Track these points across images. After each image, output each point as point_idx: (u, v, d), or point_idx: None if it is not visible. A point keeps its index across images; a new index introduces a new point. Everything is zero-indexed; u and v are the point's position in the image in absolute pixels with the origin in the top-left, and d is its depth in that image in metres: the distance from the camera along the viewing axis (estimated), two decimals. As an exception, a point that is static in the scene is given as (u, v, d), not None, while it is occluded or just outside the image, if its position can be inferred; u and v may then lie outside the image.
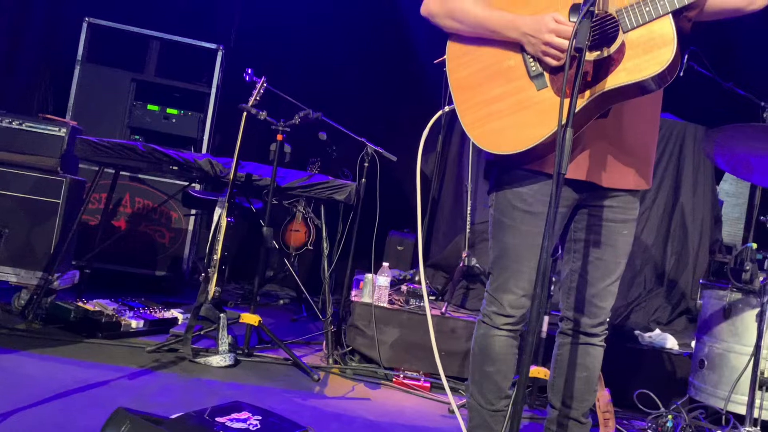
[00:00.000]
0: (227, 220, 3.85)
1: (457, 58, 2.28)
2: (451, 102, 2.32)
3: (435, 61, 3.22)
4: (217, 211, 3.91)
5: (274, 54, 6.64)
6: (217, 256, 3.78)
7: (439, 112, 2.88)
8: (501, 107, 2.17)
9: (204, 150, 5.96)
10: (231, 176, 3.96)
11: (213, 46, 6.04)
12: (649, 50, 1.96)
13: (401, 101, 6.84)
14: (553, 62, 2.07)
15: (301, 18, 6.75)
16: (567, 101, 1.84)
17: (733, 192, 6.49)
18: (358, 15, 6.81)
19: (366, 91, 6.86)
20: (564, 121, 1.78)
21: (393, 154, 4.95)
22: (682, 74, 2.28)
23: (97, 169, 4.42)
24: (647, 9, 1.96)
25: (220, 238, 3.81)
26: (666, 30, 1.94)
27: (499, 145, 2.16)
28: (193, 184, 5.16)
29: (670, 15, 1.95)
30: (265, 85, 4.07)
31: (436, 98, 4.91)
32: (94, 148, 4.13)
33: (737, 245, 6.08)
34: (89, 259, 4.69)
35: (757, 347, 3.21)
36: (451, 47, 2.30)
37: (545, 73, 2.12)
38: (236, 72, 4.55)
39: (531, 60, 2.14)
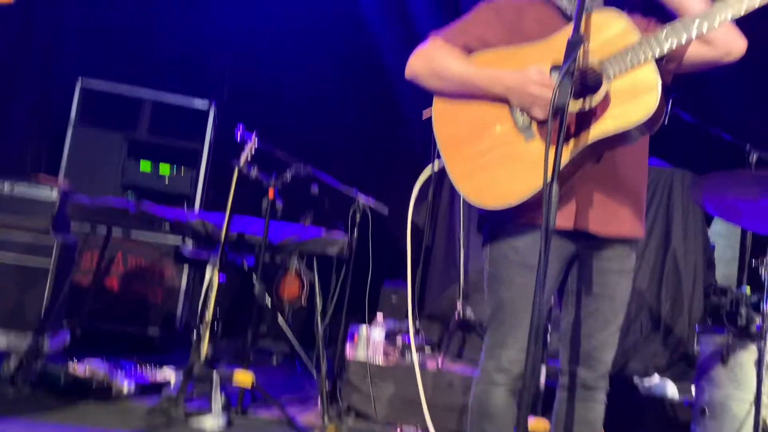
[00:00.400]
0: (219, 280, 3.84)
1: (444, 114, 2.30)
2: (439, 156, 2.31)
3: (423, 117, 3.27)
4: (209, 269, 3.90)
5: (266, 109, 6.71)
6: (208, 316, 3.74)
7: (427, 169, 2.92)
8: (489, 160, 2.18)
9: (197, 206, 5.97)
10: (223, 236, 3.96)
11: (205, 102, 6.13)
12: (633, 97, 1.98)
13: (392, 153, 6.91)
14: (540, 115, 2.10)
15: (294, 73, 6.84)
16: (553, 152, 1.84)
17: (724, 233, 6.51)
18: (350, 70, 6.92)
19: (357, 145, 6.94)
20: (549, 177, 1.79)
21: (385, 205, 4.96)
22: (666, 122, 2.31)
23: (89, 226, 4.41)
24: (629, 57, 1.99)
25: (212, 297, 3.78)
26: (650, 76, 1.97)
27: (489, 199, 2.17)
28: (185, 242, 5.15)
29: (653, 62, 1.98)
30: (256, 141, 4.11)
31: (426, 149, 4.95)
32: (86, 211, 4.13)
33: (732, 287, 6.06)
34: (81, 318, 4.63)
35: (758, 395, 3.16)
36: (438, 103, 2.32)
37: (533, 124, 2.13)
38: (229, 127, 4.60)
39: (518, 112, 2.16)
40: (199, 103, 6.11)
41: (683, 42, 1.98)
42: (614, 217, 2.24)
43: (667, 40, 1.97)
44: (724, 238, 6.45)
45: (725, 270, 6.30)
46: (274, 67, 6.85)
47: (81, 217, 4.13)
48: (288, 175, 4.21)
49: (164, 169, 5.97)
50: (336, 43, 6.78)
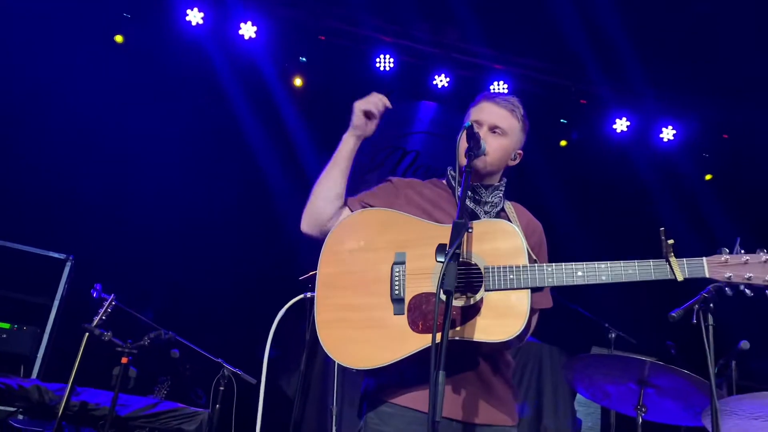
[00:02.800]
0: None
1: (331, 254, 2.29)
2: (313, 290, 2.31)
3: (300, 278, 3.17)
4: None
5: (129, 267, 6.27)
6: None
7: (299, 296, 2.90)
8: (355, 318, 2.17)
9: (36, 371, 5.27)
10: (62, 407, 3.46)
11: (61, 256, 5.66)
12: (502, 316, 2.06)
13: (264, 317, 6.61)
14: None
15: (159, 229, 6.52)
16: (435, 334, 1.82)
17: (584, 401, 6.64)
18: (219, 226, 6.71)
19: (226, 308, 6.57)
20: (434, 366, 1.74)
21: (253, 375, 4.64)
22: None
23: None
24: (511, 277, 2.08)
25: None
26: (521, 303, 2.07)
27: (341, 354, 2.15)
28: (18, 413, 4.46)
29: (529, 291, 2.08)
30: (114, 303, 3.77)
31: (300, 315, 4.78)
32: None
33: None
34: None
35: None
36: (330, 239, 2.32)
37: (406, 300, 2.14)
38: (86, 284, 4.23)
39: (397, 281, 2.16)
40: (56, 256, 5.63)
41: (563, 284, 2.09)
42: (490, 407, 2.22)
43: (549, 277, 2.08)
44: (585, 406, 6.58)
45: (587, 442, 6.36)
46: (139, 223, 6.48)
47: None
48: (147, 340, 3.85)
49: (3, 325, 5.30)
50: (209, 204, 6.62)
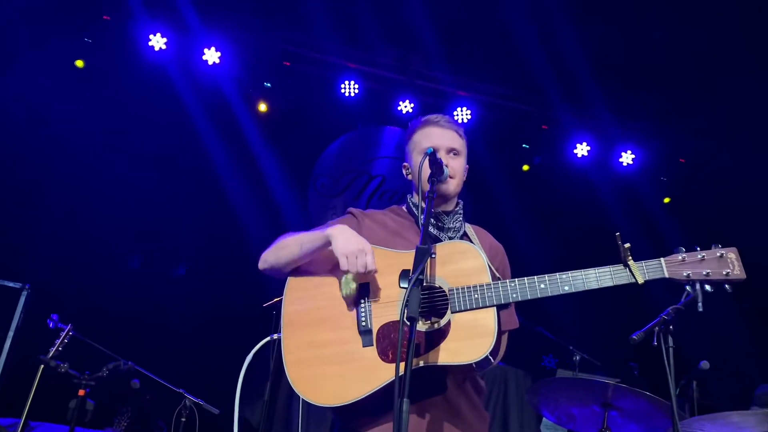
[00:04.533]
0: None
1: (294, 291, 2.27)
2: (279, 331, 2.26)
3: (264, 305, 3.12)
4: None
5: (86, 297, 6.08)
6: None
7: (266, 339, 2.81)
8: (325, 354, 2.14)
9: (-13, 405, 5.07)
10: (14, 442, 3.33)
11: (17, 285, 5.48)
12: (470, 337, 2.04)
13: (226, 345, 6.48)
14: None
15: (118, 258, 6.36)
16: (399, 363, 1.79)
17: (551, 425, 6.64)
18: (182, 252, 6.59)
19: (187, 337, 6.41)
20: (398, 394, 1.71)
21: (216, 405, 4.53)
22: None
23: None
24: (476, 296, 2.07)
25: None
26: (488, 321, 2.05)
27: (315, 394, 2.11)
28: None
29: (495, 309, 2.07)
30: (71, 333, 3.67)
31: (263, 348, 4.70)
32: None
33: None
34: None
35: None
36: (292, 280, 2.29)
37: (374, 331, 2.12)
38: (42, 314, 4.11)
39: (363, 313, 2.14)
40: (10, 285, 5.45)
41: (528, 298, 2.09)
42: None
43: (513, 293, 2.08)
44: (551, 429, 6.57)
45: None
46: (102, 254, 6.32)
47: None
48: (105, 371, 3.74)
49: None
50: (173, 230, 6.50)
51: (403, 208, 2.49)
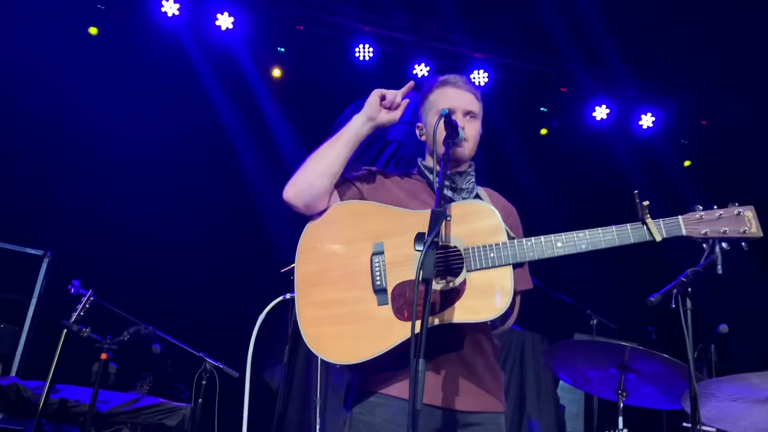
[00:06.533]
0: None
1: (308, 251, 2.24)
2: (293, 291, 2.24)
3: (282, 271, 3.13)
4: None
5: (106, 262, 6.17)
6: None
7: (279, 298, 2.86)
8: (339, 313, 2.14)
9: (15, 369, 5.20)
10: (41, 404, 3.41)
11: (39, 252, 5.57)
12: (486, 295, 2.04)
13: (245, 309, 6.54)
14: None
15: (137, 223, 6.40)
16: (415, 323, 1.80)
17: (568, 388, 6.68)
18: (198, 219, 6.61)
19: (207, 302, 6.50)
20: (415, 353, 1.71)
21: (236, 368, 4.60)
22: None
23: None
24: (492, 255, 2.05)
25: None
26: (504, 279, 2.04)
27: (330, 351, 2.12)
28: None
29: (511, 266, 2.05)
30: (92, 298, 3.72)
31: (282, 308, 4.74)
32: None
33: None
34: None
35: None
36: (306, 236, 2.26)
37: (389, 290, 2.11)
38: (64, 281, 4.17)
39: (378, 272, 2.13)
40: (32, 250, 5.54)
41: (544, 257, 2.07)
42: (476, 392, 2.20)
43: (529, 251, 2.07)
44: (569, 392, 6.62)
45: (572, 426, 6.39)
46: (116, 216, 6.36)
47: None
48: (126, 335, 3.81)
49: (-21, 323, 5.22)
50: (188, 197, 6.52)
51: (414, 171, 2.47)
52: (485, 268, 2.05)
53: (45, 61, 6.08)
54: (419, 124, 2.48)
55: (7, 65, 6.01)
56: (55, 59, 6.13)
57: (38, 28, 6.03)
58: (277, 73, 6.66)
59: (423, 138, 2.46)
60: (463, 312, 2.02)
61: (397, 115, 2.32)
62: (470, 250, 2.07)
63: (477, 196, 2.38)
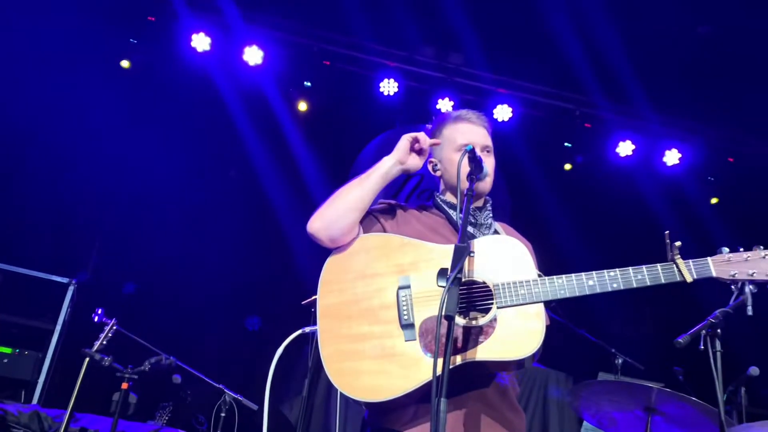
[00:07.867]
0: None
1: (331, 283, 2.20)
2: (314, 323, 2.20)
3: (303, 303, 3.12)
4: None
5: (132, 292, 6.22)
6: None
7: (297, 332, 2.80)
8: (365, 348, 2.08)
9: (37, 396, 5.22)
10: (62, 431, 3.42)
11: (65, 280, 5.64)
12: (518, 333, 2.01)
13: (266, 342, 6.53)
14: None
15: (162, 253, 6.46)
16: (436, 361, 1.77)
17: (592, 428, 6.51)
18: (224, 251, 6.66)
19: (228, 334, 6.50)
20: (437, 392, 1.68)
21: (255, 401, 4.58)
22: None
23: None
24: (522, 292, 2.04)
25: None
26: (538, 317, 2.03)
27: (355, 389, 2.06)
28: (15, 439, 4.40)
29: (543, 305, 2.04)
30: (115, 327, 3.75)
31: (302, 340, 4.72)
32: None
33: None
34: None
35: None
36: (328, 268, 2.23)
37: (416, 325, 2.07)
38: (88, 309, 4.20)
39: (405, 306, 2.10)
40: (59, 280, 5.61)
41: (576, 295, 2.06)
42: (497, 429, 2.15)
43: (561, 289, 2.06)
44: (592, 432, 6.45)
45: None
46: (143, 247, 6.43)
47: None
48: (147, 365, 3.81)
49: (4, 350, 5.26)
50: (215, 230, 6.58)
51: (431, 206, 2.45)
52: (516, 305, 2.02)
53: (78, 92, 6.23)
54: (432, 159, 2.46)
55: (41, 97, 6.18)
56: (87, 91, 6.28)
57: (72, 60, 6.20)
58: (303, 107, 6.74)
59: (437, 173, 2.46)
60: (493, 350, 1.99)
61: (423, 161, 2.34)
62: (500, 286, 2.05)
63: (495, 232, 2.37)
